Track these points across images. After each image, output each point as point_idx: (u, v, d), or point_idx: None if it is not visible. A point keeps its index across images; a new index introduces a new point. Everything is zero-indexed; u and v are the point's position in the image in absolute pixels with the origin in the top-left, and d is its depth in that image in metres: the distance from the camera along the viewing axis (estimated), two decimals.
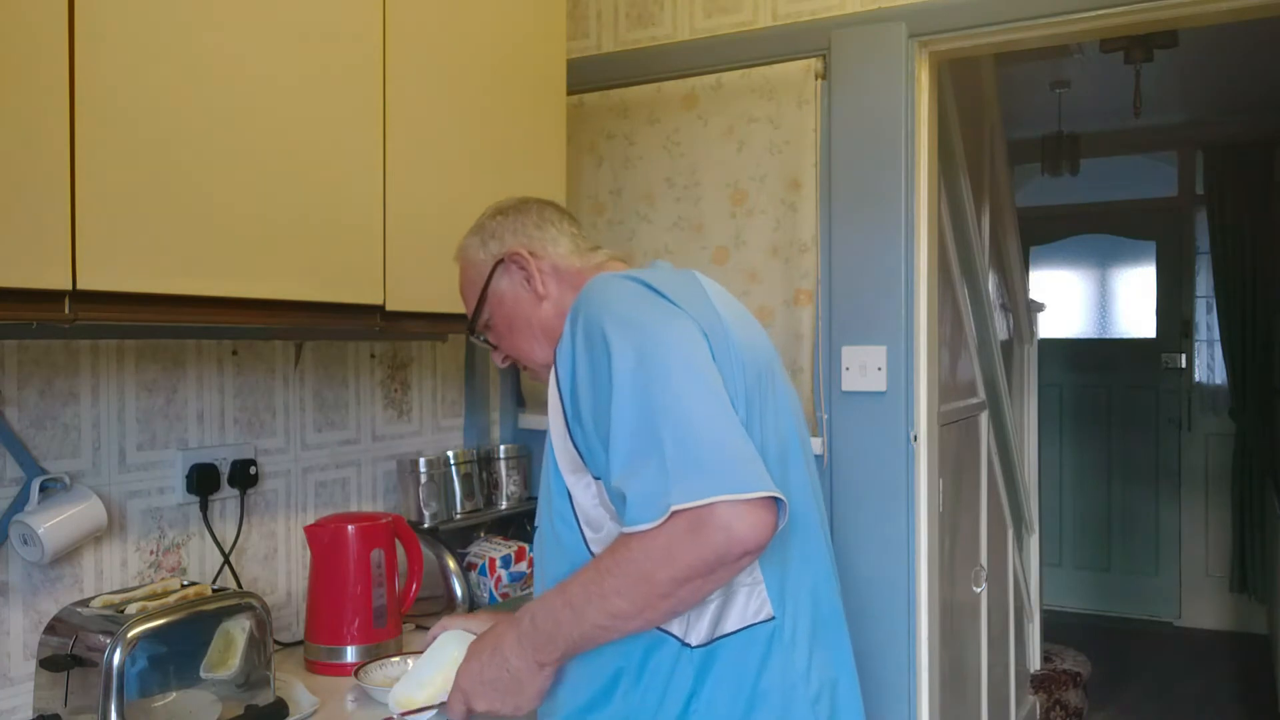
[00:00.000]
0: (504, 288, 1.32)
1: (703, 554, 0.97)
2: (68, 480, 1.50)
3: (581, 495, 1.14)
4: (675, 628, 1.10)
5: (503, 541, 2.11)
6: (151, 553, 1.66)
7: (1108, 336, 5.60)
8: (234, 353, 1.79)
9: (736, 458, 0.99)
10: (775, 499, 0.98)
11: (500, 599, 2.00)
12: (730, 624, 1.11)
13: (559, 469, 1.15)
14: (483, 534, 2.16)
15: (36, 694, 1.34)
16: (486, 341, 1.38)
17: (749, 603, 1.11)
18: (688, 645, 1.10)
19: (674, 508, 0.96)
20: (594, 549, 1.13)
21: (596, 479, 1.11)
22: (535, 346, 1.32)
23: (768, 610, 1.12)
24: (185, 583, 1.49)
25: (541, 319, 1.31)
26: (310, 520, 1.86)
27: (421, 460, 2.07)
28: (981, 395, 3.08)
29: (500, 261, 1.32)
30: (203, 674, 1.36)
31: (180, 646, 1.34)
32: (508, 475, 2.28)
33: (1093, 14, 1.90)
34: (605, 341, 1.06)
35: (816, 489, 1.27)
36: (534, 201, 1.39)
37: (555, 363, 1.15)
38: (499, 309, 1.33)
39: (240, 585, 1.77)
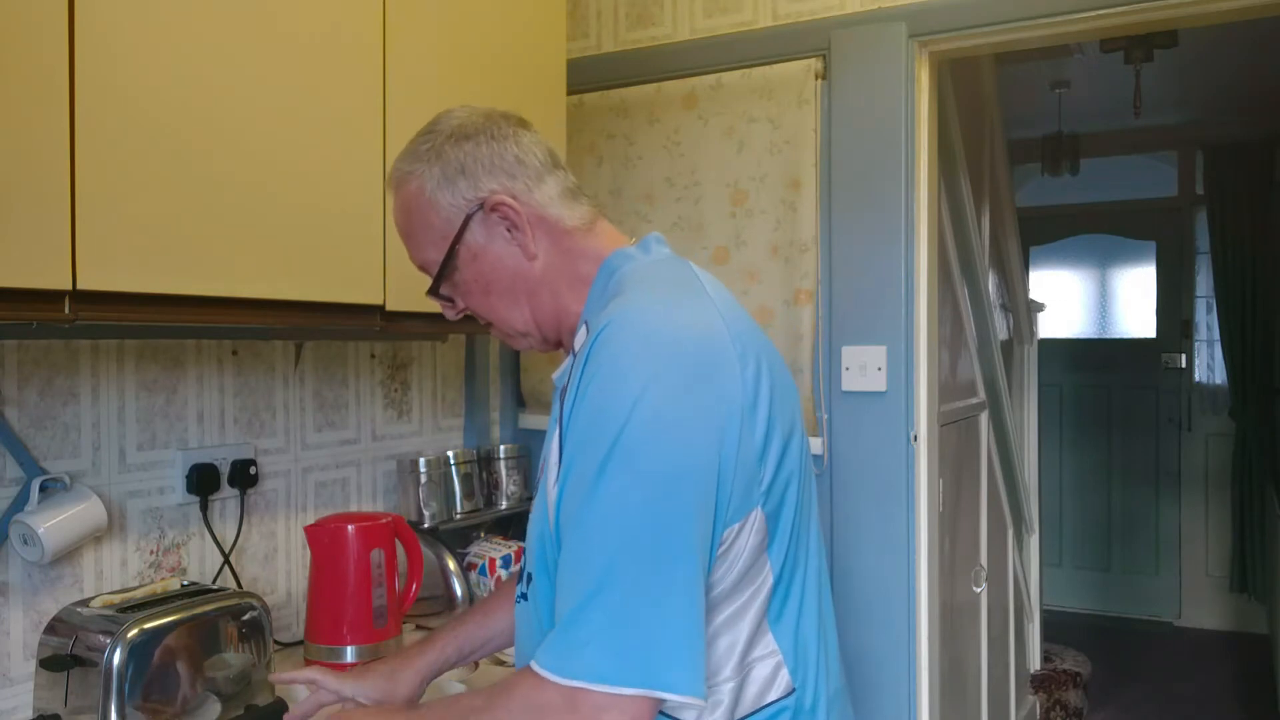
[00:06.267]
0: (480, 241, 1.04)
1: None
2: (68, 480, 1.50)
3: None
4: (687, 713, 0.93)
5: (503, 541, 2.11)
6: (151, 553, 1.66)
7: (1108, 336, 5.60)
8: (234, 353, 1.79)
9: (674, 648, 0.84)
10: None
11: None
12: (749, 702, 0.96)
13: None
14: (483, 534, 2.17)
15: (36, 694, 1.34)
16: (443, 297, 1.10)
17: (770, 676, 0.97)
18: None
19: (577, 685, 0.83)
20: None
21: None
22: (516, 312, 1.07)
23: (787, 683, 0.98)
24: (185, 583, 1.49)
25: (529, 281, 1.06)
26: (310, 520, 1.86)
27: (421, 460, 2.07)
28: (981, 395, 3.08)
29: (478, 209, 1.04)
30: (202, 674, 1.36)
31: (180, 646, 1.34)
32: (508, 475, 2.28)
33: (1093, 14, 1.90)
34: (616, 438, 0.85)
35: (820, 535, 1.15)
36: (501, 118, 1.07)
37: (563, 403, 0.94)
38: (471, 266, 1.06)
39: (240, 585, 1.77)
